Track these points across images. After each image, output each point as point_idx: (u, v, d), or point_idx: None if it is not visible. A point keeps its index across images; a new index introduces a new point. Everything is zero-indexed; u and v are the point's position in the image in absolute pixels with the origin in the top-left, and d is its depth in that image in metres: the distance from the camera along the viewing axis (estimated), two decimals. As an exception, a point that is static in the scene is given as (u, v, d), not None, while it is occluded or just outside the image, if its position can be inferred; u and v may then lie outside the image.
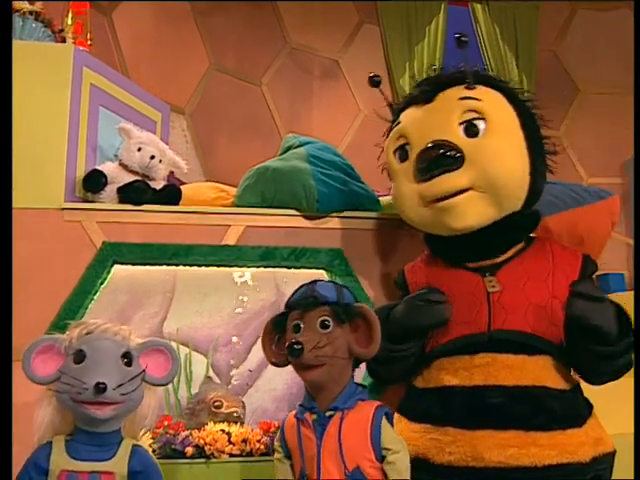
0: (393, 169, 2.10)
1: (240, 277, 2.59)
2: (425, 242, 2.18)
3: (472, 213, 1.93)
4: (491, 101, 1.98)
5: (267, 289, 2.60)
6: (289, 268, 2.56)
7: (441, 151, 1.90)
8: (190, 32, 4.92)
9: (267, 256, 2.51)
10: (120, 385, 1.63)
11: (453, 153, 1.90)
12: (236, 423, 2.27)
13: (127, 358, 1.70)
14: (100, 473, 1.64)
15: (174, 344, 2.39)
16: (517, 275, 1.95)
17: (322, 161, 2.57)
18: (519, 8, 6.01)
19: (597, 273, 2.05)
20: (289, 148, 2.73)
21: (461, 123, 1.94)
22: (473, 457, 1.78)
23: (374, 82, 2.17)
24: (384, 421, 1.69)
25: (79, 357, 1.65)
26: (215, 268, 2.54)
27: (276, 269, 2.57)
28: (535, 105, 2.08)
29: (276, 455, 1.82)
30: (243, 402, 2.39)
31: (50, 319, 2.33)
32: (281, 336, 1.82)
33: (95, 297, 2.43)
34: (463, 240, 1.99)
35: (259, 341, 2.55)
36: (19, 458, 2.02)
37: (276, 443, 1.82)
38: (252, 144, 4.89)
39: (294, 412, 1.80)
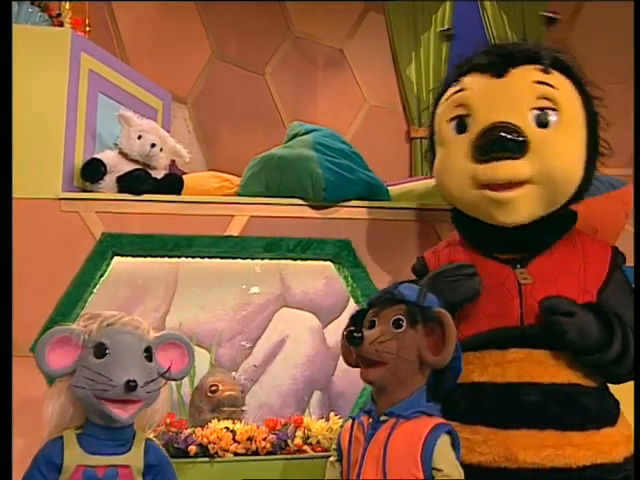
0: (445, 138, 1.96)
1: (244, 269, 2.52)
2: (454, 223, 2.08)
3: (525, 210, 1.84)
4: (566, 92, 1.87)
5: (272, 281, 2.56)
6: (295, 260, 2.50)
7: (506, 134, 1.78)
8: (192, 20, 4.86)
9: (272, 247, 2.44)
10: (147, 383, 1.61)
11: (520, 139, 1.78)
12: (235, 408, 2.24)
13: (148, 353, 1.66)
14: (117, 467, 1.61)
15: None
16: (548, 268, 1.87)
17: (329, 149, 2.51)
18: (528, -2, 5.95)
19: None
20: (295, 136, 2.67)
21: (533, 109, 1.83)
22: (506, 458, 1.71)
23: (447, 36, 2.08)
24: (442, 440, 1.57)
25: (100, 351, 1.60)
26: (218, 260, 2.48)
27: (281, 261, 2.52)
28: (600, 102, 1.96)
29: (330, 458, 1.75)
30: (242, 386, 2.36)
31: (48, 313, 2.28)
32: None
33: (94, 290, 2.37)
34: (500, 231, 1.90)
35: (264, 335, 2.54)
36: (20, 452, 1.98)
37: (333, 445, 1.76)
38: (255, 134, 4.84)
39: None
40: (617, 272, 1.90)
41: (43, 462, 1.60)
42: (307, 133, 2.63)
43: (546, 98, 1.84)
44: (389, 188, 2.66)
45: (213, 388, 2.24)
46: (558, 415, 1.73)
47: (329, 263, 2.50)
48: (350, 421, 1.70)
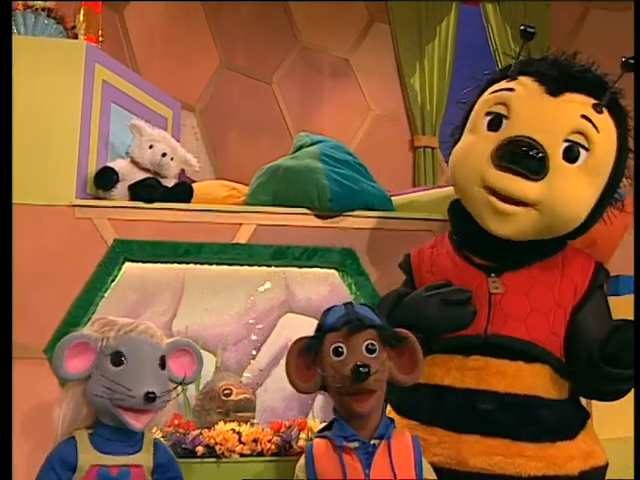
0: (476, 126, 1.92)
1: (250, 276, 2.57)
2: (449, 215, 2.07)
3: (519, 228, 1.82)
4: (605, 137, 1.83)
5: (277, 288, 2.60)
6: (300, 267, 2.55)
7: (532, 152, 1.76)
8: (201, 30, 4.93)
9: (278, 255, 2.50)
10: (164, 393, 1.65)
11: (541, 162, 1.76)
12: (247, 411, 2.27)
13: (162, 361, 1.70)
14: (130, 466, 1.65)
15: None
16: (523, 279, 1.87)
17: (335, 160, 2.56)
18: (531, 8, 5.98)
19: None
20: (301, 147, 2.71)
21: (567, 140, 1.80)
22: (457, 461, 1.74)
23: (528, 34, 1.92)
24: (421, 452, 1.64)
25: (117, 359, 1.64)
26: (226, 267, 2.53)
27: (287, 268, 2.57)
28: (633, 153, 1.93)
29: None
30: (253, 390, 2.39)
31: (61, 316, 2.33)
32: (310, 360, 1.72)
33: (106, 295, 2.42)
34: (487, 235, 1.88)
35: (269, 340, 2.58)
36: (29, 454, 2.04)
37: (299, 473, 1.68)
38: (262, 142, 4.89)
39: (321, 440, 1.69)
40: (597, 292, 1.89)
41: (57, 462, 1.63)
42: (313, 144, 2.67)
43: (584, 135, 1.80)
44: (393, 198, 2.70)
45: (227, 392, 2.26)
46: (511, 425, 1.74)
47: (334, 271, 2.55)
48: (323, 447, 1.67)
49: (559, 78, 1.85)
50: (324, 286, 2.61)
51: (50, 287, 2.36)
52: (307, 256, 2.50)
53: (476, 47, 5.74)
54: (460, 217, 2.00)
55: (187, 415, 2.38)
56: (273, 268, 2.56)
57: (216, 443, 2.12)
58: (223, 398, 2.27)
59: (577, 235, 1.94)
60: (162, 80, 3.77)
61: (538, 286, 1.86)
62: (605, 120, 1.85)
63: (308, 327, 2.57)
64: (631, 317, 1.83)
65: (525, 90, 1.87)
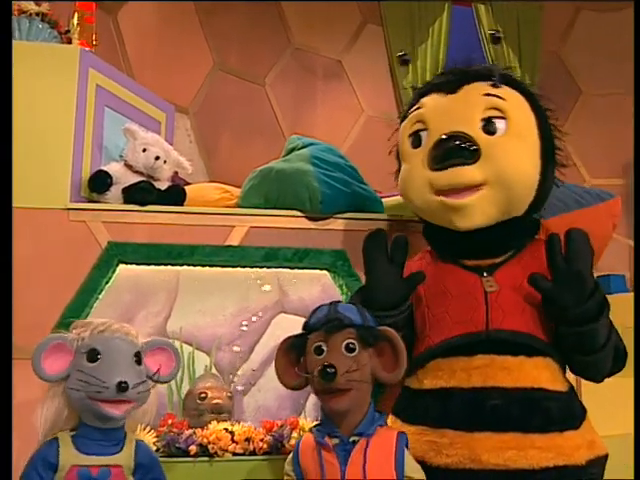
0: (405, 152, 2.09)
1: (244, 277, 2.60)
2: (424, 234, 2.18)
3: (479, 214, 1.93)
4: (514, 103, 1.98)
5: (270, 289, 2.62)
6: (292, 269, 2.58)
7: (458, 142, 1.90)
8: (194, 32, 4.95)
9: (270, 257, 2.53)
10: (137, 384, 1.68)
11: (470, 146, 1.90)
12: (220, 414, 2.28)
13: (137, 357, 1.73)
14: (110, 466, 1.67)
15: (177, 343, 2.42)
16: (514, 275, 1.95)
17: (326, 163, 2.59)
18: (522, 9, 6.01)
19: (598, 274, 2.05)
20: (293, 149, 2.74)
21: (483, 119, 1.95)
22: (471, 459, 1.77)
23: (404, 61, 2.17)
24: (406, 449, 1.65)
25: (92, 355, 1.68)
26: (219, 268, 2.56)
27: (279, 270, 2.59)
28: (553, 115, 2.08)
29: (286, 477, 1.77)
30: (231, 393, 2.39)
31: (55, 318, 2.35)
32: (296, 358, 1.77)
33: (100, 296, 2.45)
34: (463, 236, 1.98)
35: (262, 340, 2.61)
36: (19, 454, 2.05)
37: (287, 467, 1.76)
38: (255, 144, 4.91)
39: (309, 435, 1.76)
40: None
41: (40, 462, 1.65)
42: (305, 147, 2.70)
43: (495, 108, 1.95)
44: (384, 200, 2.74)
45: (202, 395, 2.29)
46: (520, 418, 1.79)
47: (325, 272, 2.58)
48: (309, 442, 1.73)
49: (452, 79, 2.04)
50: (316, 287, 2.63)
51: (45, 289, 2.39)
52: (299, 257, 2.53)
53: (468, 48, 5.76)
54: (435, 233, 2.11)
55: (180, 415, 2.40)
56: (266, 269, 2.59)
57: (209, 442, 2.13)
58: (198, 401, 2.29)
59: (541, 205, 2.06)
60: (155, 82, 3.79)
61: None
62: (507, 90, 2.00)
63: (300, 327, 2.63)
64: (622, 315, 1.96)
65: (431, 102, 2.05)
